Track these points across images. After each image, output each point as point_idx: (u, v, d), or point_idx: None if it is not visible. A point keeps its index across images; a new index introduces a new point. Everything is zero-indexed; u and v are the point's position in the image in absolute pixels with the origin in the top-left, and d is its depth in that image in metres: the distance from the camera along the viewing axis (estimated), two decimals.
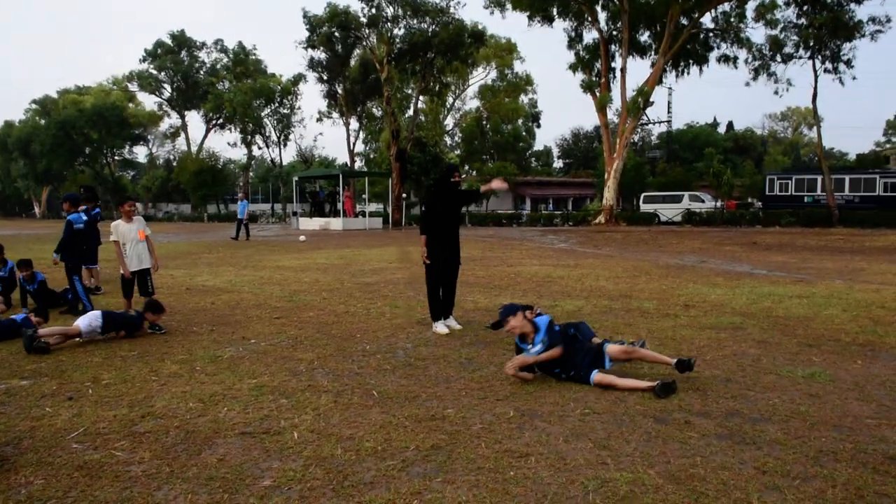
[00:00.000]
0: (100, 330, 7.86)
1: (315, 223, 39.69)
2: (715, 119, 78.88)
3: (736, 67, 41.23)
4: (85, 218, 10.44)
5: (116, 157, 72.88)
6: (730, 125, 79.95)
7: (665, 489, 3.82)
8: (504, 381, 6.12)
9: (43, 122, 66.65)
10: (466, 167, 66.69)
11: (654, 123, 67.82)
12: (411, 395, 5.76)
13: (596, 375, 5.87)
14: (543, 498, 3.73)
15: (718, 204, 43.82)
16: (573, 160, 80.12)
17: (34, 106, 69.37)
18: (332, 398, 5.66)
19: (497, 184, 8.48)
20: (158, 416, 5.23)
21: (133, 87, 69.63)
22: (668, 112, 67.83)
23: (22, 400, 5.71)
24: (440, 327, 8.40)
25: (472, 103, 69.04)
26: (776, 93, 44.47)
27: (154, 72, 68.62)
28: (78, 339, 7.73)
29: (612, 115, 44.36)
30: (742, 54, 40.35)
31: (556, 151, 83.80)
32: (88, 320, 7.81)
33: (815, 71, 35.90)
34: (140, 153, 76.99)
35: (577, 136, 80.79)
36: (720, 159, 53.96)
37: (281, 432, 4.84)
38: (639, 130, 62.05)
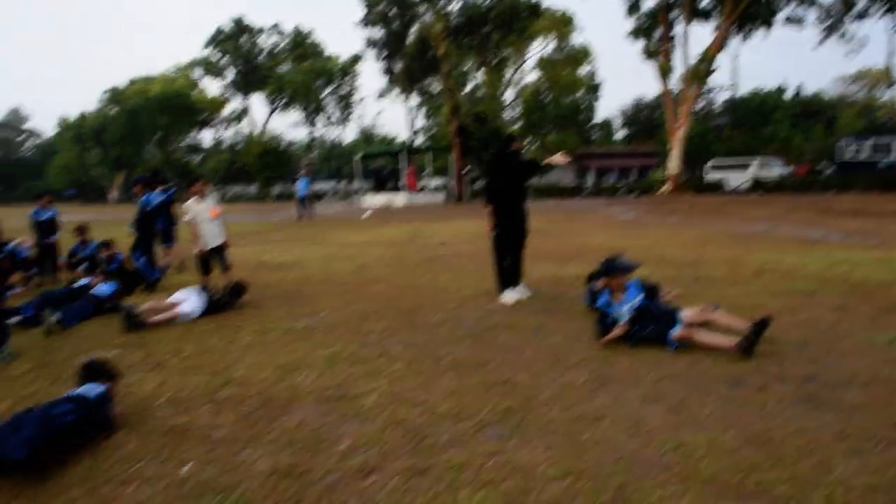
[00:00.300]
0: (197, 316, 7.98)
1: (378, 200, 39.95)
2: (781, 85, 76.33)
3: (803, 29, 39.66)
4: (156, 200, 10.87)
5: (183, 143, 74.72)
6: (797, 89, 77.17)
7: (742, 451, 3.81)
8: (575, 348, 6.13)
9: (114, 111, 68.67)
10: (527, 140, 66.08)
11: (718, 90, 66.00)
12: (482, 362, 5.84)
13: (677, 331, 5.84)
14: (619, 459, 3.77)
15: (788, 170, 42.41)
16: (636, 130, 78.61)
17: (106, 96, 71.51)
18: (405, 365, 5.78)
19: (559, 158, 8.41)
20: (238, 384, 5.43)
21: (197, 73, 71.14)
22: (733, 78, 65.98)
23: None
24: (508, 297, 8.43)
25: (531, 76, 68.40)
26: (849, 53, 42.74)
27: (216, 57, 69.91)
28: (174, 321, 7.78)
29: (674, 83, 43.31)
30: (810, 15, 38.80)
31: (618, 121, 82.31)
32: (191, 308, 7.91)
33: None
34: (206, 137, 78.77)
35: (639, 105, 79.07)
36: (789, 124, 52.18)
37: (356, 397, 4.97)
38: (702, 98, 60.44)
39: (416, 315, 7.88)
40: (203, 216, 9.14)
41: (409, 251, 14.66)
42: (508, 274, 8.57)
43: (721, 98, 68.18)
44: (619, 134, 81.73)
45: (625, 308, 6.11)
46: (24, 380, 5.77)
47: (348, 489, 3.52)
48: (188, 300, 7.97)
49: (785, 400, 4.61)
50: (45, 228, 11.68)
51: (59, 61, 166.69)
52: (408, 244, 16.24)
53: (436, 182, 50.75)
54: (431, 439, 4.14)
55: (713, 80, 50.66)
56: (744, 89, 75.15)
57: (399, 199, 38.91)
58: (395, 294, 9.29)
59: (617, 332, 6.03)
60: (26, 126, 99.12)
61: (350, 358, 6.07)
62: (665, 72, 40.06)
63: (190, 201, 9.20)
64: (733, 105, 64.55)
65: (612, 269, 6.30)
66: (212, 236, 9.24)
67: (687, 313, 6.06)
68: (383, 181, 43.49)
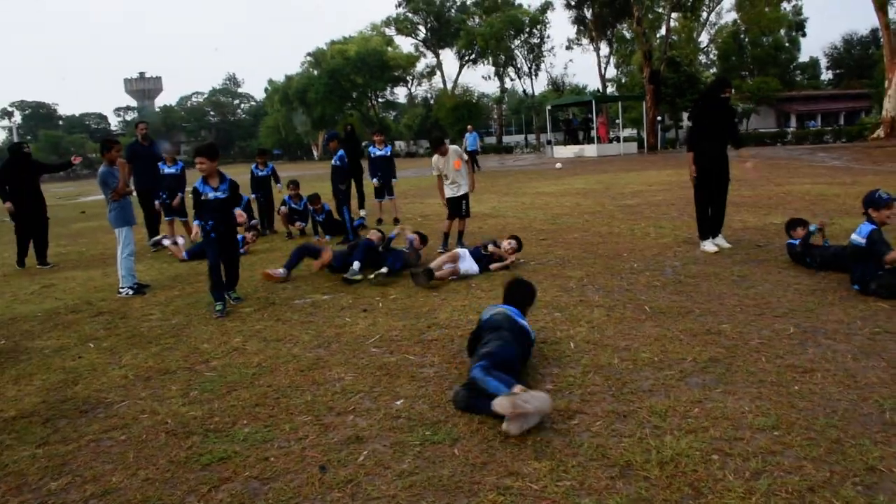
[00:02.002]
0: (476, 271, 7.79)
1: (569, 151, 39.44)
2: None
3: None
4: (339, 155, 11.56)
5: (380, 100, 77.49)
6: None
7: None
8: (781, 298, 5.79)
9: (315, 72, 72.35)
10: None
11: None
12: (684, 310, 5.66)
13: None
14: (833, 413, 3.52)
15: None
16: (844, 70, 71.55)
17: (308, 59, 75.51)
18: (605, 312, 5.72)
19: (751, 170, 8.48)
20: (442, 327, 5.63)
21: (391, 31, 73.12)
22: None
23: (326, 311, 6.42)
24: (709, 245, 8.07)
25: (729, 16, 64.00)
26: None
27: (409, 15, 71.45)
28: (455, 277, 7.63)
29: (894, 14, 38.64)
30: None
31: (824, 62, 75.31)
32: (468, 265, 7.75)
33: None
34: (400, 94, 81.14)
35: (849, 42, 71.84)
36: None
37: (558, 342, 5.00)
38: None
39: (615, 262, 7.76)
40: (447, 168, 9.36)
41: (604, 200, 14.40)
42: (710, 221, 8.19)
43: None
44: (826, 76, 74.98)
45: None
46: (252, 318, 6.33)
47: (552, 429, 3.55)
48: (465, 259, 7.80)
49: None
50: (262, 185, 12.69)
51: (267, 28, 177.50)
52: (602, 193, 15.95)
53: (627, 132, 49.28)
54: (633, 385, 4.07)
55: None
56: None
57: (590, 149, 38.20)
58: (593, 242, 9.19)
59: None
60: (240, 90, 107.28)
61: (550, 304, 6.09)
62: (883, 0, 35.90)
63: (435, 156, 9.49)
64: None
65: (876, 202, 5.84)
66: (456, 187, 9.43)
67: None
68: (574, 132, 42.83)
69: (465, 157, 9.44)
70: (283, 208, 12.23)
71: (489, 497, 2.95)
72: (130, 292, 7.74)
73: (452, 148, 9.39)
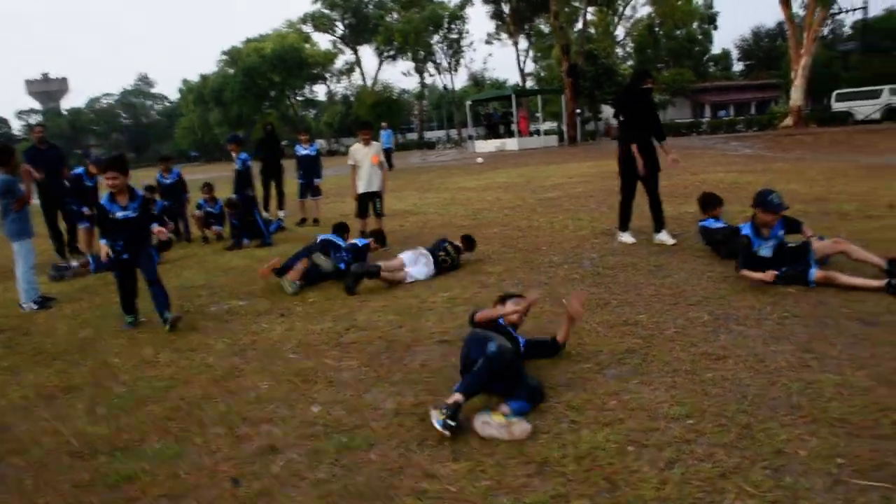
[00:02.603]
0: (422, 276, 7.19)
1: (490, 145, 39.73)
2: None
3: None
4: (242, 158, 11.17)
5: (299, 98, 76.46)
6: None
7: (876, 391, 3.58)
8: (696, 287, 5.93)
9: (231, 71, 70.85)
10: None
11: (846, 12, 60.85)
12: (602, 301, 5.73)
13: (816, 273, 5.52)
14: (743, 399, 3.61)
15: None
16: (754, 61, 74.23)
17: (224, 57, 73.90)
18: None
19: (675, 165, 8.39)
20: (361, 329, 5.55)
21: (308, 28, 72.13)
22: None
23: (242, 318, 6.27)
24: (626, 237, 8.18)
25: (644, 10, 65.48)
26: None
27: (326, 11, 70.63)
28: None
29: (797, 8, 40.18)
30: None
31: (735, 54, 77.91)
32: (417, 273, 7.18)
33: None
34: (320, 91, 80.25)
35: (757, 34, 74.54)
36: None
37: None
38: (829, 21, 55.93)
39: (534, 256, 7.82)
40: (363, 162, 9.26)
41: (525, 194, 14.53)
42: (631, 213, 8.24)
43: (850, 21, 63.15)
44: (737, 67, 77.61)
45: (770, 243, 5.81)
46: (165, 328, 6.08)
47: (470, 430, 3.52)
48: (416, 264, 7.27)
49: None
50: (170, 192, 12.08)
51: (180, 27, 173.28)
52: (523, 187, 16.09)
53: (547, 125, 49.88)
54: (551, 380, 4.09)
55: (841, 1, 46.61)
56: (876, 8, 69.49)
57: (511, 143, 38.55)
58: (513, 236, 9.24)
59: (764, 277, 5.59)
60: (153, 91, 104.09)
61: (470, 300, 6.09)
62: None
63: (356, 146, 9.34)
64: (864, 28, 59.54)
65: (766, 205, 5.81)
66: (368, 181, 9.33)
67: (820, 243, 5.74)
68: (494, 126, 43.16)
69: (382, 158, 9.42)
70: (197, 212, 11.88)
71: (406, 502, 2.91)
72: (35, 306, 7.37)
73: (377, 143, 9.36)
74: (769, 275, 5.57)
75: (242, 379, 4.59)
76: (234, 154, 11.33)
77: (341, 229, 8.12)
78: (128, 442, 3.74)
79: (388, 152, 29.67)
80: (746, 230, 5.93)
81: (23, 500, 3.22)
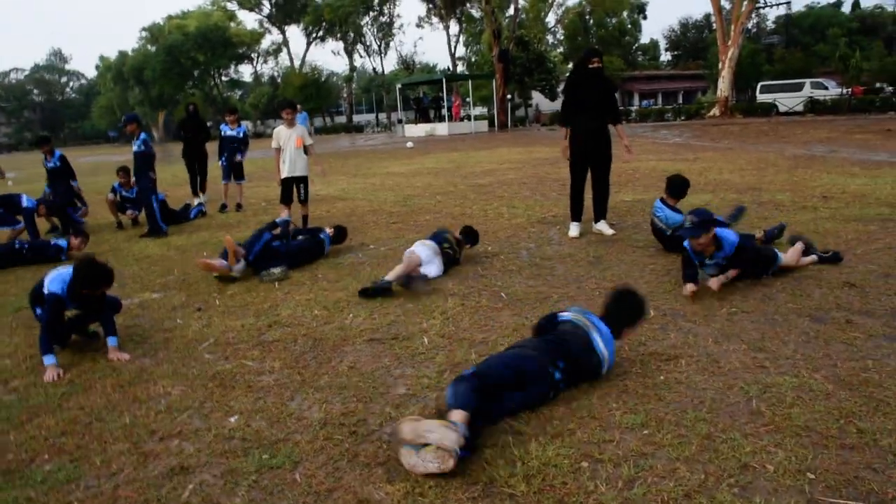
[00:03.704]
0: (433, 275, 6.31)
1: (420, 129, 39.30)
2: None
3: None
4: (142, 139, 9.80)
5: (224, 78, 74.32)
6: (855, 4, 72.65)
7: (837, 395, 3.39)
8: (639, 280, 5.72)
9: (153, 49, 68.34)
10: (570, 64, 64.12)
11: (770, 6, 62.52)
12: (541, 296, 5.47)
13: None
14: (700, 405, 3.38)
15: (845, 91, 39.97)
16: (682, 52, 75.80)
17: (144, 34, 71.23)
18: (460, 301, 5.44)
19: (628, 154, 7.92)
20: (285, 325, 5.15)
21: (233, 5, 70.05)
22: None
23: (155, 312, 5.77)
24: (573, 230, 7.76)
25: None
26: None
27: None
28: None
29: (724, 0, 40.95)
30: None
31: (663, 44, 79.39)
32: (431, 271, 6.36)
33: None
34: (245, 72, 78.38)
35: (685, 25, 76.07)
36: (846, 42, 49.06)
37: (410, 338, 4.65)
38: (754, 15, 57.32)
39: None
40: (288, 144, 8.78)
41: (456, 180, 14.23)
42: (589, 204, 7.87)
43: (773, 15, 65.06)
44: (665, 57, 79.16)
45: (715, 261, 5.32)
46: None
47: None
48: (431, 263, 6.36)
49: (876, 336, 4.14)
50: (53, 178, 10.92)
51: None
52: (454, 173, 15.79)
53: (478, 110, 49.76)
54: None
55: None
56: (798, 5, 71.69)
57: (441, 128, 38.24)
58: (445, 223, 8.90)
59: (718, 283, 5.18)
60: (68, 67, 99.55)
61: (402, 293, 5.74)
62: None
63: (280, 127, 8.84)
64: (787, 22, 61.39)
65: (685, 235, 5.26)
66: (292, 165, 8.87)
67: (783, 257, 5.54)
68: (425, 111, 42.79)
69: (309, 140, 8.95)
70: (110, 195, 11.13)
71: None
72: None
73: (301, 126, 8.87)
74: (716, 282, 5.18)
75: (151, 384, 4.13)
76: (133, 135, 10.00)
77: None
78: (13, 463, 3.27)
79: None
80: (688, 247, 5.36)
81: None
